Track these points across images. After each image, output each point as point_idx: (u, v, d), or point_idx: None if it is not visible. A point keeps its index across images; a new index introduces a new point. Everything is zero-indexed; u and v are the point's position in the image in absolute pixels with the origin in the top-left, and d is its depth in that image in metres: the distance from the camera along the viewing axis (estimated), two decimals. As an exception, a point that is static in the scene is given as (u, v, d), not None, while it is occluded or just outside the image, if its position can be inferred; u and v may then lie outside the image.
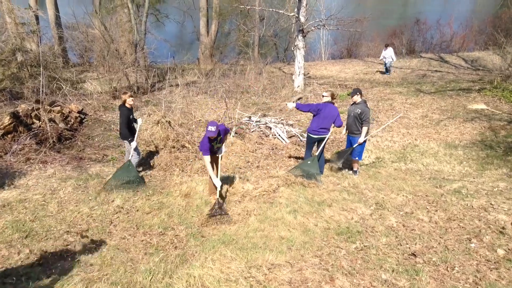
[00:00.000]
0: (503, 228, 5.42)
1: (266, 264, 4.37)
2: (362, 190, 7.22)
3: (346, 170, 8.46)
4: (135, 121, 7.51)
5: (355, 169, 8.29)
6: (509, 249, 4.85)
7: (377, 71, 20.10)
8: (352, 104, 8.10)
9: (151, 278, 3.88)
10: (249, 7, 18.28)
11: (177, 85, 14.78)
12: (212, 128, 5.88)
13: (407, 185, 7.44)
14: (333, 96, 7.89)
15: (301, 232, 5.32)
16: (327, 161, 8.66)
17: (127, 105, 7.36)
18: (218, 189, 6.16)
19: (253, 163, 8.68)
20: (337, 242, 5.04)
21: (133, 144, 7.23)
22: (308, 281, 4.06)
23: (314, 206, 6.36)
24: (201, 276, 3.91)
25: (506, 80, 14.65)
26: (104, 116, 11.24)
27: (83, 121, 10.57)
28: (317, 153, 7.82)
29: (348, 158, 8.38)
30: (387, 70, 19.28)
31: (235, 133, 9.90)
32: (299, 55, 15.41)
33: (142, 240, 4.86)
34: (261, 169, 8.38)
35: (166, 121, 9.64)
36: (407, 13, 34.10)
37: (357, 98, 7.94)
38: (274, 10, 17.96)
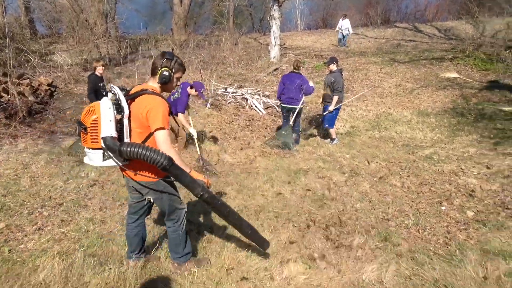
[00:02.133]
0: (472, 191, 5.62)
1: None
2: (337, 158, 7.34)
3: (328, 140, 8.58)
4: (105, 91, 7.27)
5: (333, 137, 8.41)
6: (478, 210, 5.05)
7: (344, 47, 20.07)
8: (328, 74, 8.16)
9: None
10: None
11: (151, 56, 14.46)
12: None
13: (381, 152, 7.60)
14: (295, 65, 7.91)
15: (277, 200, 5.40)
16: (302, 130, 8.74)
17: (96, 72, 7.22)
18: (195, 138, 6.61)
19: (230, 134, 8.67)
20: (312, 208, 5.14)
21: None
22: (287, 243, 4.15)
23: (290, 175, 6.43)
24: (171, 269, 3.93)
25: (478, 49, 14.90)
26: (75, 89, 10.93)
27: (54, 94, 10.27)
28: (291, 123, 7.88)
29: (324, 127, 8.49)
30: (340, 41, 19.06)
31: (211, 104, 9.82)
32: (275, 25, 15.24)
33: (119, 212, 4.84)
34: (238, 140, 8.39)
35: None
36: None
37: (333, 67, 7.99)
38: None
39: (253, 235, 3.45)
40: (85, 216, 4.69)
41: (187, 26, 23.16)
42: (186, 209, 3.36)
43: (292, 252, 3.94)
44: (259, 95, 11.31)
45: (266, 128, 9.34)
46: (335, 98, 7.89)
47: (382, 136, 9.04)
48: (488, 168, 6.48)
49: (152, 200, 3.21)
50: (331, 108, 7.99)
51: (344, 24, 18.37)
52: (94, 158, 2.91)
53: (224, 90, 11.26)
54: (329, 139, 8.53)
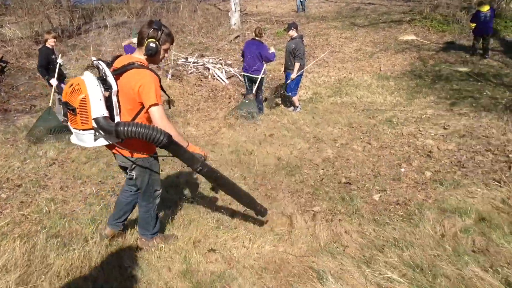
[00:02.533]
0: (430, 152, 5.83)
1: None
2: (301, 125, 7.41)
3: (292, 108, 8.61)
4: (55, 60, 6.99)
5: (296, 104, 8.45)
6: (435, 170, 5.26)
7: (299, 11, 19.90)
8: (289, 40, 8.09)
9: (94, 227, 3.84)
10: None
11: (106, 26, 13.91)
12: None
13: (343, 118, 7.73)
14: (256, 32, 7.82)
15: (243, 170, 5.43)
16: (265, 99, 8.74)
17: (48, 45, 6.93)
18: None
19: (193, 106, 8.56)
20: (278, 176, 5.21)
21: (53, 82, 6.80)
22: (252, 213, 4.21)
23: (255, 144, 6.45)
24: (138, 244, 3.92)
25: (435, 10, 15.13)
26: (27, 64, 10.41)
27: (5, 70, 9.75)
28: (253, 92, 7.85)
29: (287, 95, 8.51)
30: (299, 8, 18.77)
31: (172, 75, 9.60)
32: (233, -10, 14.88)
33: (81, 191, 4.74)
34: (201, 112, 8.30)
35: (96, 66, 9.12)
36: None
37: (292, 33, 7.93)
38: None
39: (251, 204, 3.54)
40: (45, 197, 4.57)
41: (142, -7, 22.27)
42: (161, 191, 3.37)
43: (260, 221, 4.01)
44: (221, 64, 11.15)
45: (229, 98, 9.26)
46: (297, 65, 7.88)
47: (344, 102, 9.16)
48: (444, 128, 6.72)
49: (134, 176, 3.13)
50: (293, 75, 7.99)
51: None
52: (86, 139, 2.73)
53: (185, 60, 11.01)
54: (292, 107, 8.57)
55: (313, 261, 3.19)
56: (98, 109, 2.61)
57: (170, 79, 9.44)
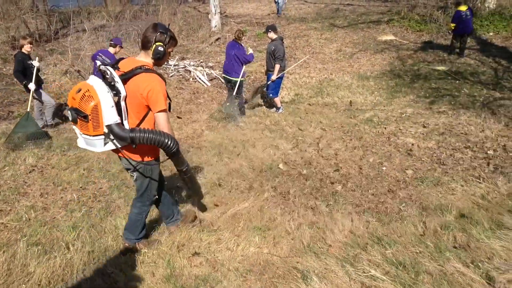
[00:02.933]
0: (410, 150, 5.91)
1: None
2: (283, 126, 7.43)
3: (274, 109, 8.64)
4: (32, 66, 6.87)
5: (278, 105, 8.48)
6: (416, 168, 5.33)
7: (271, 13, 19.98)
8: (270, 42, 8.13)
9: (76, 234, 3.78)
10: None
11: (84, 30, 13.71)
12: None
13: (324, 118, 7.78)
14: (236, 35, 7.86)
15: (227, 173, 5.41)
16: (246, 101, 8.75)
17: (23, 50, 6.82)
18: None
19: (175, 109, 8.50)
20: (262, 179, 5.21)
21: (31, 86, 6.68)
22: (238, 214, 4.20)
23: (238, 146, 6.44)
24: (121, 248, 3.87)
25: (412, 10, 15.38)
26: (4, 70, 10.19)
27: (-20, 76, 9.54)
28: (234, 94, 7.86)
29: (268, 96, 8.55)
30: (279, 11, 18.61)
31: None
32: (213, -7, 14.85)
33: (62, 197, 4.66)
34: (183, 115, 8.25)
35: (75, 70, 9.00)
36: None
37: (272, 35, 7.97)
38: None
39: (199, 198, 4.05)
40: (25, 204, 4.48)
41: (121, -3, 22.08)
42: (156, 198, 3.48)
43: (245, 223, 4.00)
44: (202, 66, 11.11)
45: (212, 101, 9.24)
46: (277, 66, 7.92)
47: (325, 102, 9.22)
48: (424, 127, 6.83)
49: (135, 177, 3.21)
50: (273, 77, 8.02)
51: None
52: (96, 144, 2.78)
53: (165, 63, 10.92)
54: (274, 108, 8.59)
55: (297, 261, 3.19)
56: (110, 116, 2.67)
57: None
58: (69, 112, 2.69)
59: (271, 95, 8.36)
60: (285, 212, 4.29)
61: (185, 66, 10.61)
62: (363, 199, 4.58)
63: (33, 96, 6.82)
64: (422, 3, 15.39)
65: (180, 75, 10.34)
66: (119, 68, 2.83)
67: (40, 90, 7.05)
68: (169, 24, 3.15)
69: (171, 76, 10.15)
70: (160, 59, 2.93)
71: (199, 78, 10.21)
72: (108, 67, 2.74)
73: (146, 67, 2.84)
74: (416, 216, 3.91)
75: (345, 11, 18.25)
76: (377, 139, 6.46)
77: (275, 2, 18.41)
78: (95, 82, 2.68)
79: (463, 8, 11.01)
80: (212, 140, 6.75)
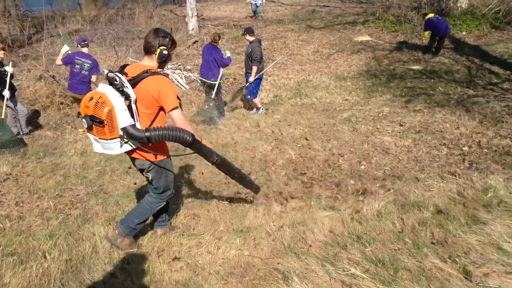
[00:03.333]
0: (388, 148, 6.00)
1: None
2: (263, 128, 7.44)
3: (254, 110, 8.65)
4: (5, 72, 6.71)
5: (258, 106, 8.51)
6: (393, 166, 5.41)
7: (249, 15, 20.02)
8: (248, 44, 8.18)
9: (53, 242, 3.70)
10: None
11: (58, 35, 13.51)
12: None
13: (303, 119, 7.82)
14: (213, 38, 7.86)
15: (206, 176, 5.38)
16: (226, 103, 8.75)
17: None
18: None
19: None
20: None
21: (5, 93, 6.53)
22: (217, 218, 4.18)
23: (218, 149, 6.41)
24: (108, 233, 3.81)
25: (387, 11, 15.60)
26: (-25, 77, 9.93)
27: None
28: (213, 97, 7.85)
29: (246, 98, 8.56)
30: (255, 14, 18.31)
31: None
32: (190, -5, 14.79)
33: (38, 206, 4.55)
34: (161, 118, 8.16)
35: (50, 75, 8.84)
36: None
37: (249, 37, 8.01)
38: None
39: (251, 185, 4.14)
40: (0, 214, 4.36)
41: (96, 0, 21.77)
42: (172, 192, 3.59)
43: (225, 225, 3.98)
44: (180, 69, 11.04)
45: (191, 104, 9.19)
46: (254, 68, 7.95)
47: (304, 103, 9.28)
48: (401, 125, 6.94)
49: (150, 177, 3.34)
50: (251, 79, 8.04)
51: None
52: (113, 147, 2.94)
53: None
54: (254, 110, 8.61)
55: (278, 262, 3.19)
56: (124, 119, 2.85)
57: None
58: (83, 120, 2.86)
59: (249, 96, 8.39)
60: (266, 213, 4.29)
61: (163, 70, 10.48)
62: (342, 197, 4.62)
63: (6, 104, 6.66)
64: (397, 4, 15.61)
65: (158, 78, 10.22)
66: (126, 74, 2.97)
67: (14, 98, 6.89)
68: (162, 31, 3.19)
69: (148, 80, 10.03)
70: (164, 62, 3.13)
71: (178, 82, 10.14)
72: (117, 73, 2.90)
73: (152, 70, 3.02)
74: (394, 213, 3.95)
75: (321, 12, 18.41)
76: (355, 138, 6.53)
77: (252, 5, 18.40)
78: (105, 89, 2.85)
79: (431, 14, 11.33)
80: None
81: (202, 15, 19.01)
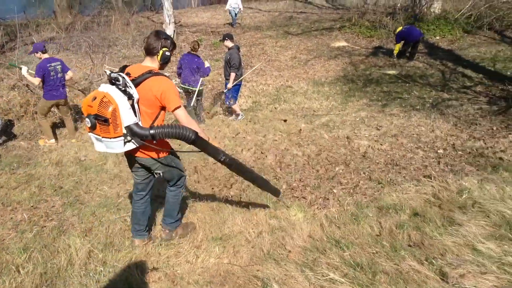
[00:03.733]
0: (365, 152, 6.07)
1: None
2: (243, 134, 7.43)
3: (233, 116, 8.65)
4: None
5: (238, 112, 8.53)
6: (371, 170, 5.47)
7: (226, 24, 20.02)
8: (227, 51, 8.21)
9: (27, 256, 3.60)
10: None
11: (33, 43, 13.24)
12: None
13: (282, 125, 7.85)
14: (193, 47, 7.93)
15: (189, 185, 5.33)
16: (206, 109, 8.73)
17: None
18: None
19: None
20: (221, 189, 5.18)
21: None
22: (196, 226, 4.14)
23: (197, 156, 6.38)
24: (84, 244, 3.74)
25: (363, 16, 15.87)
26: None
27: None
28: (192, 104, 7.84)
29: (227, 105, 8.57)
30: (234, 21, 18.15)
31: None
32: (167, 2, 14.70)
33: (11, 218, 4.44)
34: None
35: (24, 84, 8.66)
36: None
37: (228, 43, 8.04)
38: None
39: (266, 186, 4.05)
40: (-29, 228, 4.23)
41: (72, 8, 21.47)
42: (186, 175, 3.78)
43: (204, 233, 3.95)
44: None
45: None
46: (232, 75, 7.98)
47: (283, 109, 9.32)
48: (377, 129, 7.03)
49: (161, 174, 3.47)
50: (229, 85, 8.06)
51: (234, 2, 17.64)
52: (116, 145, 2.98)
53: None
54: (233, 116, 8.61)
55: (257, 269, 3.18)
56: (129, 118, 2.90)
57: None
58: (87, 119, 2.91)
59: (227, 103, 8.41)
60: (246, 220, 4.27)
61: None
62: (321, 202, 4.64)
63: None
64: (372, 10, 15.92)
65: (135, 86, 10.12)
66: (130, 74, 3.07)
67: None
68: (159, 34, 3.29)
69: (125, 88, 9.91)
70: (166, 63, 3.29)
71: (155, 89, 10.05)
72: (120, 73, 2.98)
73: (155, 71, 3.16)
74: (372, 217, 3.99)
75: (299, 19, 18.59)
76: (333, 143, 6.58)
77: (230, 12, 18.40)
78: (109, 88, 2.91)
79: (400, 28, 11.78)
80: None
81: (179, 21, 18.95)
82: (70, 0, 21.42)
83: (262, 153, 6.37)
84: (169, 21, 15.02)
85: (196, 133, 3.04)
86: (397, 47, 11.86)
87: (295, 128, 7.52)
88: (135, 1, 22.98)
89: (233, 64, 7.92)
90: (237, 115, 8.54)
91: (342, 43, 14.14)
